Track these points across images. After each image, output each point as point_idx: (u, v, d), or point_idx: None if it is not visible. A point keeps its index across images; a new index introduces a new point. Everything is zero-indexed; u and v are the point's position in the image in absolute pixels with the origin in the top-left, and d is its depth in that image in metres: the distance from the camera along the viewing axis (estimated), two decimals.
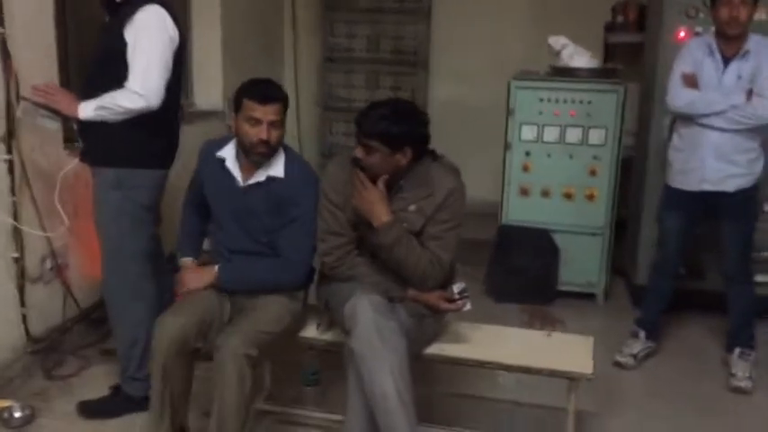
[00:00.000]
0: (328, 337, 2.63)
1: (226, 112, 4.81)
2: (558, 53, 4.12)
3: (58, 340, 3.29)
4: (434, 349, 2.54)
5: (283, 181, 2.53)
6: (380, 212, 2.35)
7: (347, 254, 2.48)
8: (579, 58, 4.04)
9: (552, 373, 2.43)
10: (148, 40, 2.57)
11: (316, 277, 2.71)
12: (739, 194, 3.18)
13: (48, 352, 3.22)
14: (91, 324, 3.50)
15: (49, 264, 3.20)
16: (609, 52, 5.12)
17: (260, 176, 2.54)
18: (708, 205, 3.24)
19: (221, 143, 2.63)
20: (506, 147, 4.13)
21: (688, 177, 3.23)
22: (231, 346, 2.30)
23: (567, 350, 2.57)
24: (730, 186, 3.17)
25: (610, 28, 5.16)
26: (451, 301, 2.47)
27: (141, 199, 2.74)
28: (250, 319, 2.42)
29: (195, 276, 2.62)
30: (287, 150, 2.59)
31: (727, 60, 3.14)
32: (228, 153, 2.58)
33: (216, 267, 2.59)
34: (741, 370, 3.25)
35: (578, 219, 4.12)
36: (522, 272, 4.13)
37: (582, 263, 4.16)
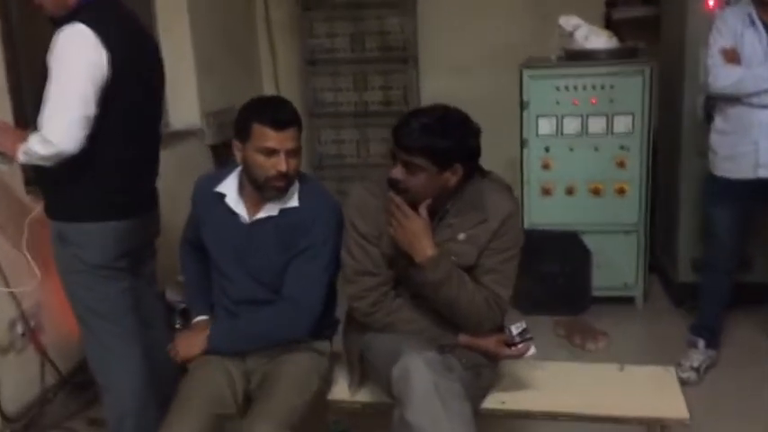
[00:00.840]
0: (363, 397, 2.20)
1: (204, 129, 4.36)
2: (570, 35, 3.72)
3: (38, 414, 2.83)
4: (493, 402, 2.13)
5: (297, 210, 2.12)
6: (424, 245, 1.93)
7: (383, 296, 2.06)
8: (595, 38, 3.64)
9: (642, 422, 2.03)
10: (61, 70, 2.06)
11: (341, 325, 2.28)
12: None
13: (28, 429, 2.77)
14: (74, 389, 3.05)
15: (20, 328, 2.74)
16: (613, 30, 4.71)
17: (271, 210, 2.12)
18: (762, 193, 2.86)
19: (219, 176, 2.21)
20: (522, 143, 3.72)
21: (739, 164, 2.85)
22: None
23: (648, 387, 2.17)
24: None
25: (612, 3, 4.77)
26: (511, 344, 2.06)
27: (89, 257, 2.25)
28: (276, 393, 1.99)
29: (186, 344, 2.21)
30: (302, 176, 2.16)
31: None
32: (229, 187, 2.16)
33: (207, 331, 2.19)
34: None
35: (609, 216, 3.72)
36: (551, 280, 3.74)
37: (616, 264, 3.77)
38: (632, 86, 3.56)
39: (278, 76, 5.23)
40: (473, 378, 2.02)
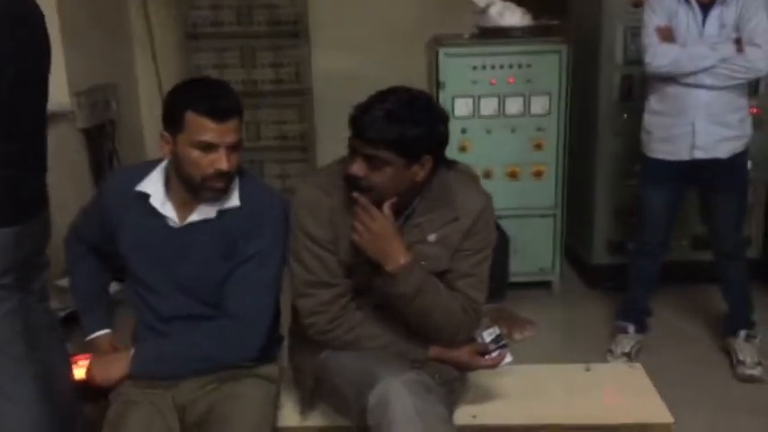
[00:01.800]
0: (316, 421, 1.92)
1: (76, 111, 3.84)
2: (483, 11, 3.54)
3: None
4: (463, 416, 1.90)
5: (239, 210, 1.80)
6: (396, 252, 1.68)
7: (343, 310, 1.78)
8: (510, 15, 3.49)
9: (625, 429, 1.88)
10: None
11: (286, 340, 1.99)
12: (732, 160, 2.78)
13: None
14: None
15: None
16: None
17: (207, 212, 1.79)
18: (697, 175, 2.82)
19: (138, 172, 1.85)
20: None
21: (675, 145, 2.79)
22: None
23: (621, 389, 2.05)
24: (723, 152, 2.76)
25: None
26: (485, 353, 1.86)
27: None
28: None
29: (104, 368, 1.85)
30: (240, 170, 1.83)
31: (704, 8, 2.71)
32: (153, 185, 1.81)
33: (131, 351, 1.84)
34: (749, 355, 2.90)
35: (526, 200, 3.62)
36: None
37: (533, 249, 3.68)
38: (549, 66, 3.45)
39: (155, 50, 4.71)
40: (446, 395, 1.79)
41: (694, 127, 2.71)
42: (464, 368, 1.87)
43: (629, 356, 2.99)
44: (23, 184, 1.95)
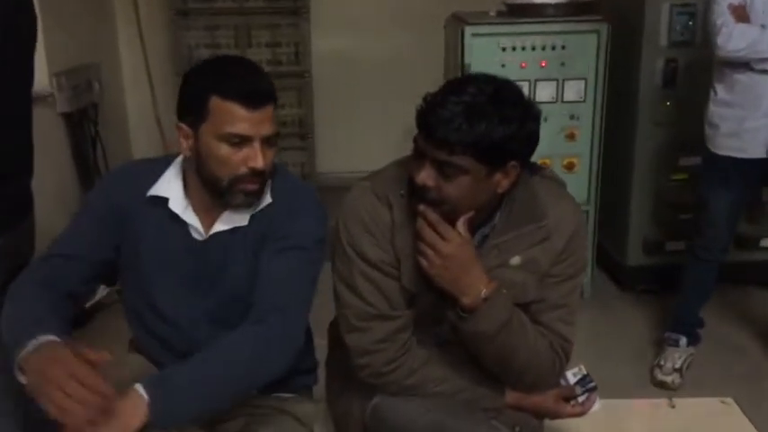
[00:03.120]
0: None
1: (56, 94, 3.45)
2: None
3: None
4: None
5: (271, 207, 1.46)
6: (475, 282, 1.34)
7: (403, 347, 1.45)
8: None
9: None
10: None
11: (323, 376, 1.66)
12: None
13: None
14: None
15: None
16: None
17: (237, 220, 1.45)
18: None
19: (153, 170, 1.48)
20: None
21: (746, 141, 2.46)
22: None
23: (713, 427, 1.73)
24: None
25: None
26: (571, 397, 1.54)
27: None
28: None
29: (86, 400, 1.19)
30: (274, 167, 1.48)
31: None
32: (171, 188, 1.45)
33: (138, 390, 1.24)
34: None
35: None
36: None
37: None
38: (586, 47, 3.12)
39: (141, 27, 4.31)
40: None
41: None
42: (547, 416, 1.55)
43: (680, 372, 2.69)
44: (5, 186, 1.64)
